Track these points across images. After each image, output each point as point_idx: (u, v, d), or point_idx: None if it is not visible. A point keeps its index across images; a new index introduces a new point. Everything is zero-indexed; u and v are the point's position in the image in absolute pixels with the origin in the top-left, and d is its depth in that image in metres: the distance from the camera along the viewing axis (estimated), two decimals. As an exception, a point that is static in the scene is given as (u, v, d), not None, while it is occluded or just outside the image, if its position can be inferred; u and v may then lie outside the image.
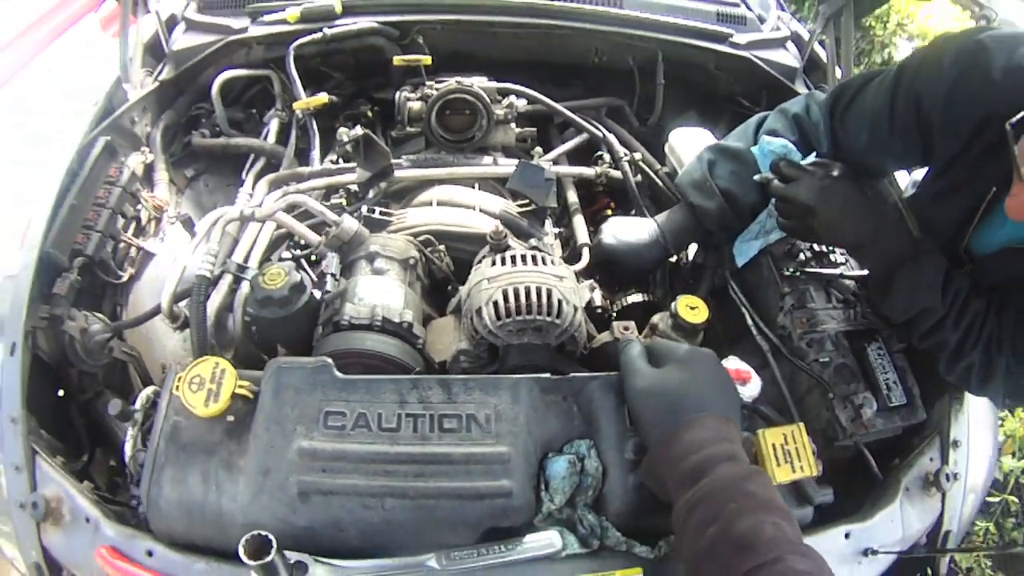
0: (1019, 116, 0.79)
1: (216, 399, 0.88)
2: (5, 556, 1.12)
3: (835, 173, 1.10)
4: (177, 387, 0.91)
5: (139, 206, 1.46)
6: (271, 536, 0.76)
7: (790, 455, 0.95)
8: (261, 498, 0.84)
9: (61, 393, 1.22)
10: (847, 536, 1.00)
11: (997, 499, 2.07)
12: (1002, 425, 2.12)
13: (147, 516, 0.90)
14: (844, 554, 1.00)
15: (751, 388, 1.03)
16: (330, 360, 0.93)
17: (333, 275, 1.13)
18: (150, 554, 0.90)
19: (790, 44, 1.79)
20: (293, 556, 0.81)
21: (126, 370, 1.34)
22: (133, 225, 1.44)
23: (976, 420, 1.17)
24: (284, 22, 1.56)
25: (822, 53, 1.73)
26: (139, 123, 1.53)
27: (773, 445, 0.95)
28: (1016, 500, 2.07)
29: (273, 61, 1.62)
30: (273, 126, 1.62)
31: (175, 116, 1.62)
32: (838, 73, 1.64)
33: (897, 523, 1.04)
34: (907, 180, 1.41)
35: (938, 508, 1.09)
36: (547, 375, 0.96)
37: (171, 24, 1.69)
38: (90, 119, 1.43)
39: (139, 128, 1.53)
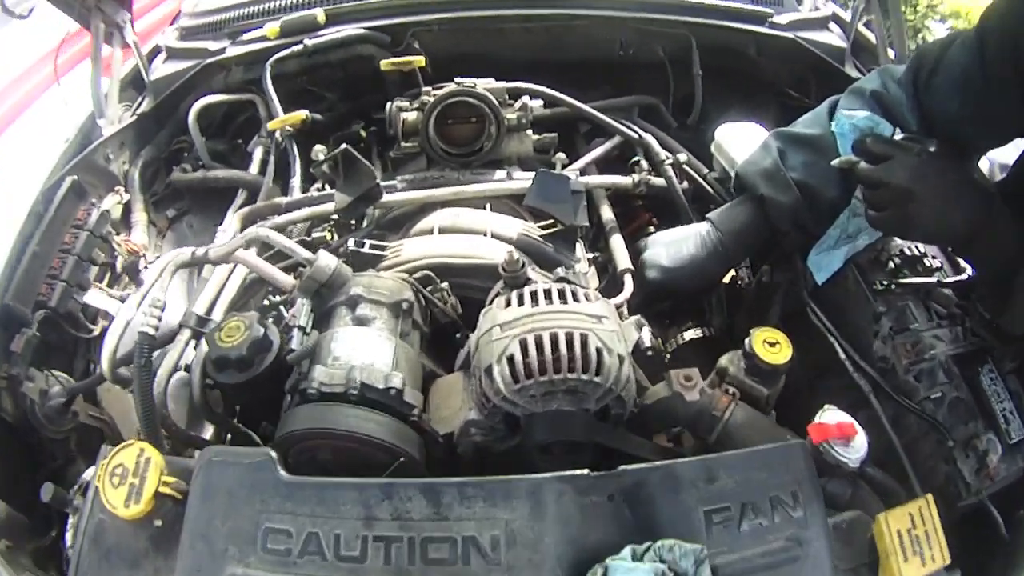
0: None
1: (138, 499, 0.69)
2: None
3: (932, 149, 0.90)
4: (99, 479, 0.73)
5: (115, 252, 1.32)
6: None
7: (919, 542, 0.71)
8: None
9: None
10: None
11: None
12: None
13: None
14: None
15: (857, 448, 0.78)
16: (273, 454, 0.72)
17: (301, 328, 0.93)
18: None
19: (833, 24, 1.63)
20: None
21: (103, 435, 1.19)
22: (109, 274, 1.31)
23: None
24: (264, 39, 1.43)
25: (867, 33, 1.58)
26: (115, 160, 1.41)
27: (899, 532, 0.70)
28: None
29: (255, 83, 1.49)
30: (257, 155, 1.47)
31: (155, 151, 1.50)
32: (890, 53, 1.48)
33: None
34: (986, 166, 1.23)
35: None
36: (584, 472, 0.71)
37: (153, 55, 1.60)
38: (58, 157, 1.32)
39: (115, 166, 1.41)
